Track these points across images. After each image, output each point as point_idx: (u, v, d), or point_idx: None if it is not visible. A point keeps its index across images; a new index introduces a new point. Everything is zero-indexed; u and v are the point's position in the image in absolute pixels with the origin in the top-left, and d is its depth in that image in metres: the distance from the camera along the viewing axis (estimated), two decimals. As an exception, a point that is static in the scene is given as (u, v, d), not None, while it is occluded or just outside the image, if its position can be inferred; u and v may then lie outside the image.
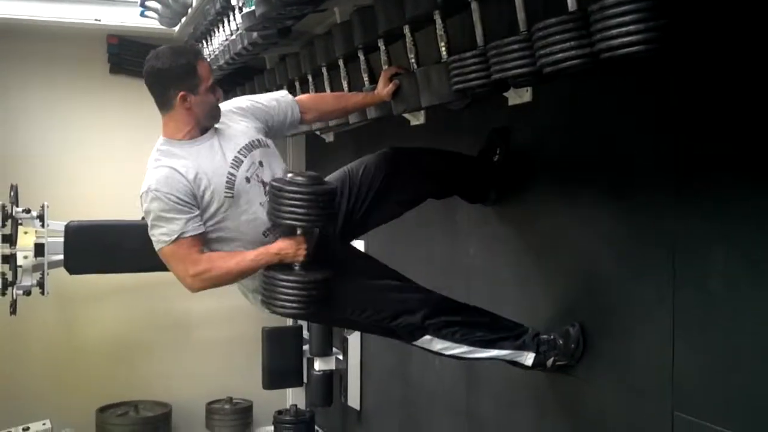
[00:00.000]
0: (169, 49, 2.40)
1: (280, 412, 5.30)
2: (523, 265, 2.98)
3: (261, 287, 2.37)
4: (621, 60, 1.73)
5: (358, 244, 3.93)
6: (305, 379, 5.33)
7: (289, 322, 5.18)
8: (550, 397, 2.80)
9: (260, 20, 2.86)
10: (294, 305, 2.30)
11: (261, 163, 2.44)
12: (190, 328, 5.72)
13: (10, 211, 4.51)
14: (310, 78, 3.69)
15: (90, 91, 5.46)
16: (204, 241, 2.35)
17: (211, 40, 4.20)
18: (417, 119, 3.60)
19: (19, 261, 4.54)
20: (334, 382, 5.07)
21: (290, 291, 2.29)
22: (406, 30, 2.71)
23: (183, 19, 4.59)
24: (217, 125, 2.44)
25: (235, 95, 4.94)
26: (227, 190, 2.34)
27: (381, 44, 2.93)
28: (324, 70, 3.50)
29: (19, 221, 4.58)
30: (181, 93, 2.34)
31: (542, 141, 2.83)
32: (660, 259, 2.23)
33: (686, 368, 2.16)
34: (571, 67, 1.86)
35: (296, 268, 2.33)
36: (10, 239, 4.55)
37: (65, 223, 4.68)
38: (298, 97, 2.82)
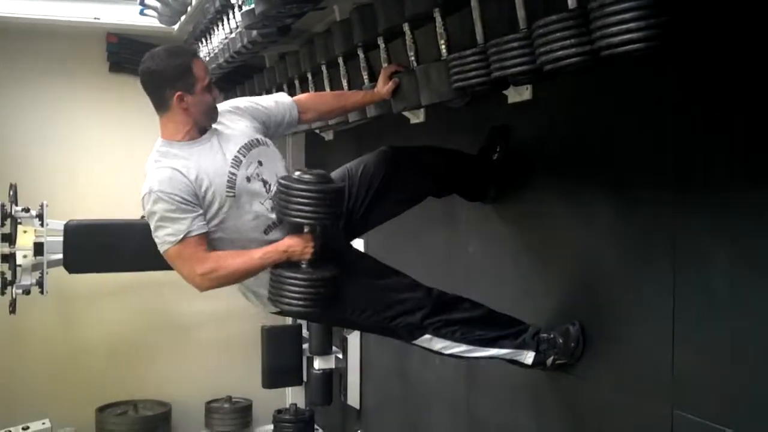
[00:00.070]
0: (164, 49, 2.40)
1: (279, 411, 5.30)
2: (523, 263, 2.97)
3: (269, 285, 2.36)
4: (621, 58, 1.72)
5: (358, 243, 3.93)
6: (305, 378, 5.32)
7: (289, 320, 5.18)
8: (549, 396, 2.80)
9: (260, 18, 2.86)
10: (301, 303, 2.30)
11: (261, 163, 2.44)
12: (190, 327, 5.71)
13: (9, 210, 4.50)
14: (309, 76, 3.69)
15: (89, 90, 5.46)
16: (208, 241, 2.35)
17: (210, 38, 4.20)
18: (417, 117, 3.59)
19: (19, 260, 4.54)
20: (333, 380, 5.07)
21: (297, 288, 2.29)
22: (406, 28, 2.70)
23: (182, 18, 4.59)
24: (215, 125, 2.43)
25: (235, 94, 4.97)
26: (228, 190, 2.34)
27: (381, 42, 2.93)
28: (324, 68, 3.50)
29: (19, 220, 4.57)
30: (178, 93, 2.33)
31: (542, 139, 2.83)
32: (660, 257, 2.23)
33: (686, 367, 2.15)
34: (571, 64, 1.86)
35: (303, 266, 2.33)
36: (10, 238, 4.54)
37: (64, 222, 4.68)
38: (297, 97, 2.82)
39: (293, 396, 5.68)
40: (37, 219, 4.65)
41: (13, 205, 4.53)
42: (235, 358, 5.62)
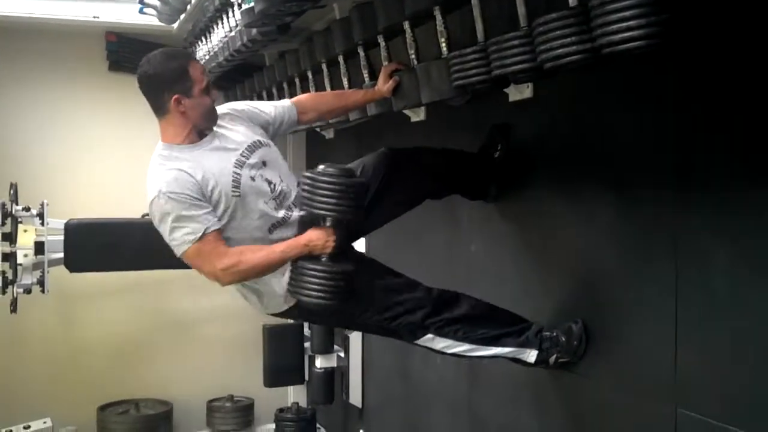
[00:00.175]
0: (161, 53, 2.40)
1: (281, 410, 5.31)
2: (525, 261, 2.97)
3: (290, 276, 2.38)
4: (622, 56, 1.71)
5: (359, 244, 3.92)
6: (306, 377, 5.32)
7: (290, 320, 5.17)
8: (552, 395, 2.79)
9: (259, 17, 2.86)
10: (320, 295, 2.31)
11: (264, 163, 2.44)
12: (191, 326, 5.71)
13: (9, 210, 4.49)
14: (309, 75, 3.68)
15: (89, 89, 5.44)
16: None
17: (210, 36, 4.19)
18: (417, 116, 3.58)
19: (19, 259, 4.53)
20: (335, 379, 5.06)
21: (317, 281, 2.31)
22: (406, 26, 2.70)
23: (182, 16, 4.59)
24: (216, 128, 2.44)
25: (235, 93, 4.97)
26: (234, 190, 2.34)
27: (381, 40, 2.92)
28: (324, 66, 3.49)
29: (19, 219, 4.57)
30: (175, 96, 2.33)
31: (543, 137, 2.82)
32: (663, 255, 2.22)
33: (689, 365, 2.15)
34: (572, 62, 1.85)
35: (324, 259, 2.35)
36: (10, 237, 4.53)
37: (65, 221, 4.67)
38: (297, 98, 2.82)
39: (295, 395, 5.67)
40: (38, 218, 4.64)
41: (14, 204, 4.52)
42: (236, 357, 5.62)
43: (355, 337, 4.75)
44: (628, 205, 2.39)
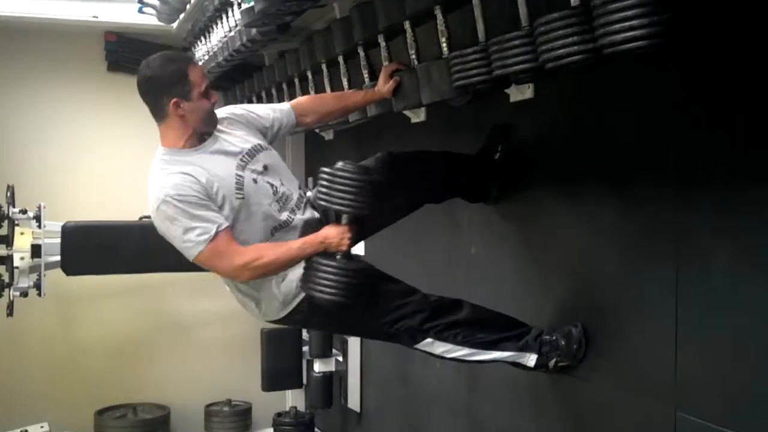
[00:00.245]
0: (160, 56, 2.40)
1: (279, 414, 5.30)
2: (525, 263, 2.96)
3: (303, 272, 2.38)
4: (624, 55, 1.70)
5: (358, 248, 3.90)
6: (305, 381, 5.30)
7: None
8: (551, 398, 2.78)
9: (259, 16, 2.85)
10: (333, 291, 2.31)
11: (266, 167, 2.45)
12: (189, 330, 5.68)
13: (6, 212, 4.46)
14: (309, 75, 3.68)
15: (87, 89, 5.42)
16: None
17: (209, 36, 4.19)
18: (417, 116, 3.57)
19: (16, 262, 4.51)
20: (333, 383, 5.05)
21: (331, 277, 2.31)
22: (407, 25, 2.70)
23: (181, 16, 4.58)
24: (216, 132, 2.43)
25: (234, 93, 4.96)
26: (237, 192, 2.34)
27: (381, 40, 2.92)
28: (324, 66, 3.48)
29: (16, 222, 4.54)
30: (174, 100, 2.33)
31: (544, 138, 2.81)
32: (663, 257, 2.22)
33: (689, 368, 2.14)
34: (573, 62, 1.85)
35: (338, 257, 2.35)
36: (7, 240, 4.51)
37: (62, 224, 4.65)
38: (296, 100, 2.82)
39: (293, 399, 5.65)
40: (35, 220, 4.62)
41: (11, 207, 4.49)
42: (234, 361, 5.60)
43: (354, 341, 4.74)
44: (628, 204, 2.39)
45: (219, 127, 2.45)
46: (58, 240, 4.60)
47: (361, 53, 3.10)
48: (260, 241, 2.39)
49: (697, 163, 2.12)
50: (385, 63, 2.90)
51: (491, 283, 3.15)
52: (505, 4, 2.26)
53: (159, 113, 2.38)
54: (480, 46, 2.30)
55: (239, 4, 3.27)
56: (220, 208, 2.31)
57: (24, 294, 4.55)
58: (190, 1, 4.25)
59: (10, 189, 4.53)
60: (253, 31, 3.33)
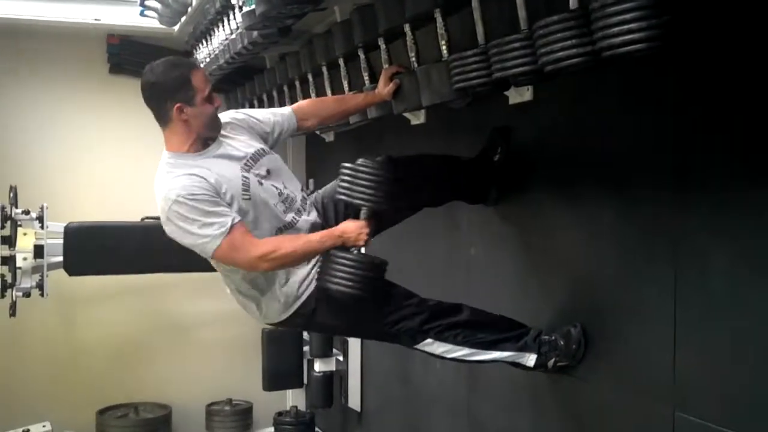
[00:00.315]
0: (163, 62, 2.41)
1: (280, 414, 5.31)
2: (524, 265, 2.97)
3: (320, 265, 2.42)
4: (623, 58, 1.71)
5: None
6: (305, 381, 5.31)
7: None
8: (550, 398, 2.79)
9: (260, 19, 2.85)
10: (350, 284, 2.34)
11: (269, 171, 2.48)
12: (190, 330, 5.70)
13: (9, 213, 4.48)
14: (310, 77, 3.68)
15: (89, 91, 5.44)
16: None
17: (210, 39, 4.19)
18: (417, 118, 3.58)
19: (19, 263, 4.52)
20: (334, 383, 5.05)
21: (349, 269, 2.34)
22: (407, 28, 2.70)
23: (183, 19, 4.58)
24: (220, 137, 2.45)
25: (235, 95, 4.96)
26: (244, 193, 2.36)
27: (381, 43, 2.92)
28: (324, 69, 3.49)
29: (19, 223, 4.56)
30: (177, 105, 2.34)
31: (543, 140, 2.82)
32: (661, 259, 2.23)
33: (688, 368, 2.15)
34: (572, 65, 1.85)
35: (355, 251, 2.40)
36: (10, 241, 4.52)
37: (64, 225, 4.66)
38: (298, 104, 2.83)
39: (294, 398, 5.66)
40: (37, 221, 4.63)
41: (14, 208, 4.51)
42: (235, 361, 5.61)
43: (354, 341, 4.75)
44: (627, 206, 2.40)
45: (222, 132, 2.46)
46: (61, 240, 4.62)
47: (362, 56, 3.11)
48: None
49: (695, 165, 2.12)
50: (385, 66, 2.91)
51: (491, 284, 3.15)
52: (505, 6, 2.25)
53: (163, 118, 2.39)
54: (479, 48, 2.30)
55: (240, 7, 3.28)
56: (229, 207, 2.33)
57: (26, 294, 4.56)
58: (191, 4, 4.26)
59: (13, 190, 4.55)
60: (255, 33, 3.35)
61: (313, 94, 3.65)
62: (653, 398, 2.27)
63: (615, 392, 2.45)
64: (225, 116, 2.54)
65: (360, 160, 2.40)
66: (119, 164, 5.34)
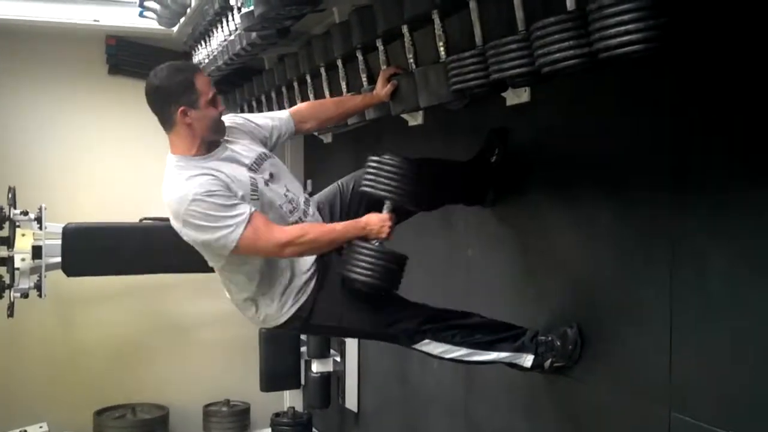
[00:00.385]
0: (167, 66, 2.42)
1: (277, 414, 5.30)
2: (522, 266, 2.97)
3: (342, 255, 2.46)
4: (620, 59, 1.72)
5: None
6: (303, 381, 5.31)
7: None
8: (547, 399, 2.80)
9: (259, 20, 2.86)
10: (372, 274, 2.37)
11: (272, 174, 2.49)
12: (188, 331, 5.69)
13: (7, 214, 4.48)
14: (308, 78, 3.68)
15: (88, 92, 5.43)
16: None
17: (209, 40, 4.20)
18: (415, 120, 3.59)
19: (17, 263, 4.51)
20: (331, 384, 5.06)
21: (372, 260, 2.38)
22: (405, 30, 2.71)
23: (182, 20, 4.58)
24: (224, 141, 2.46)
25: (234, 97, 4.96)
26: (253, 193, 2.38)
27: (379, 44, 2.93)
28: (323, 70, 3.50)
29: (17, 223, 4.55)
30: (181, 108, 2.35)
31: (540, 141, 2.83)
32: (658, 258, 2.23)
33: (684, 369, 2.15)
34: (569, 67, 1.86)
35: (376, 243, 2.43)
36: (8, 241, 4.52)
37: (63, 226, 4.66)
38: (296, 107, 2.84)
39: (291, 399, 5.66)
40: (36, 222, 4.62)
41: (12, 208, 4.51)
42: (233, 362, 5.61)
43: (352, 342, 4.75)
44: (624, 207, 2.40)
45: (226, 135, 2.48)
46: (59, 241, 4.61)
47: (360, 57, 3.11)
48: None
49: (692, 166, 2.13)
50: (384, 67, 2.92)
51: (488, 285, 3.16)
52: (502, 8, 2.26)
53: (167, 122, 2.40)
54: (477, 50, 2.31)
55: (239, 9, 3.28)
56: None
57: (25, 295, 4.55)
58: (190, 5, 4.27)
59: (12, 190, 4.55)
60: (253, 35, 3.35)
61: (311, 96, 3.66)
62: (650, 399, 2.27)
63: (611, 393, 2.45)
64: (226, 120, 2.54)
65: (386, 154, 2.44)
66: (118, 165, 5.33)
